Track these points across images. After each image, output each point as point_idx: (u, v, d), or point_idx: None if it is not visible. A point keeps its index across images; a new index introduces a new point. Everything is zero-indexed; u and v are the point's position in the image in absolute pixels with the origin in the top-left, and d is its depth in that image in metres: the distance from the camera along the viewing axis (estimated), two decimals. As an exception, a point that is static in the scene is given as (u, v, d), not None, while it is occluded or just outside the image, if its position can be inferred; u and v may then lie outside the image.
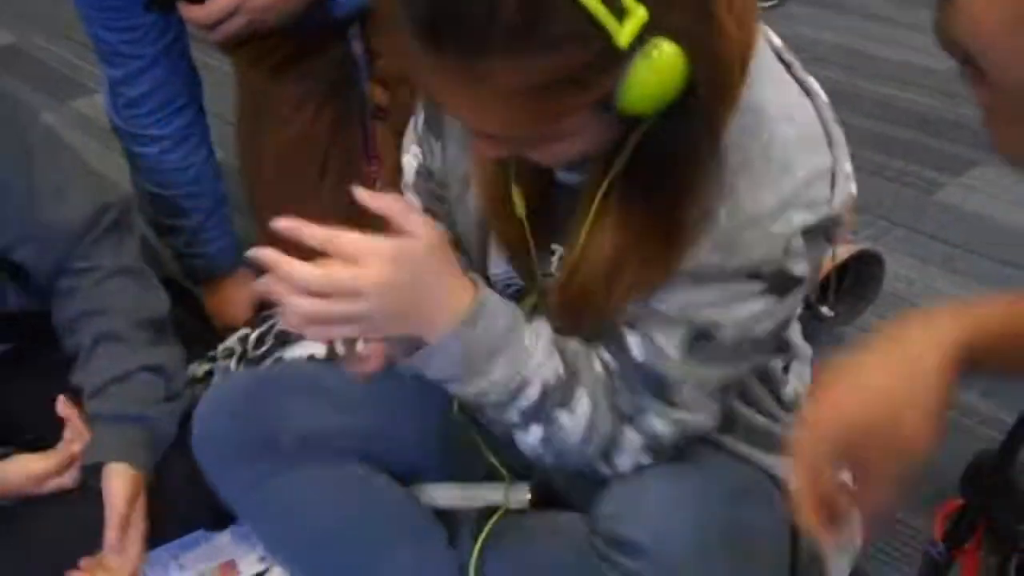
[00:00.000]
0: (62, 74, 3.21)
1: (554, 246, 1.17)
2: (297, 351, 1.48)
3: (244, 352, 1.62)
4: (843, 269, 1.86)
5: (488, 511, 1.36)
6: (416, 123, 1.28)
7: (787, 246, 0.99)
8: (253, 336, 1.67)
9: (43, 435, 1.47)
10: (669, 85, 0.90)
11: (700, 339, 1.05)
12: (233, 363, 1.65)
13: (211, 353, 1.77)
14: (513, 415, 1.08)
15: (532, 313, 1.15)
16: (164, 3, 1.62)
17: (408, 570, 1.35)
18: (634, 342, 1.07)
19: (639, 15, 0.86)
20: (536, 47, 0.85)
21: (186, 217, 1.94)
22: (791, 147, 0.98)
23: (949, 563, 1.06)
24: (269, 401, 1.37)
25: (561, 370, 1.08)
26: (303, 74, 1.92)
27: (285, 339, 1.53)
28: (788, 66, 1.06)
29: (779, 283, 1.01)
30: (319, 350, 1.45)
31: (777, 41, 1.08)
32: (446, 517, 1.42)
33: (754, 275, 1.01)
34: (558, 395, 1.07)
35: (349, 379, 1.33)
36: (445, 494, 1.43)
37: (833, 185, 1.01)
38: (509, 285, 1.21)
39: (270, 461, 1.36)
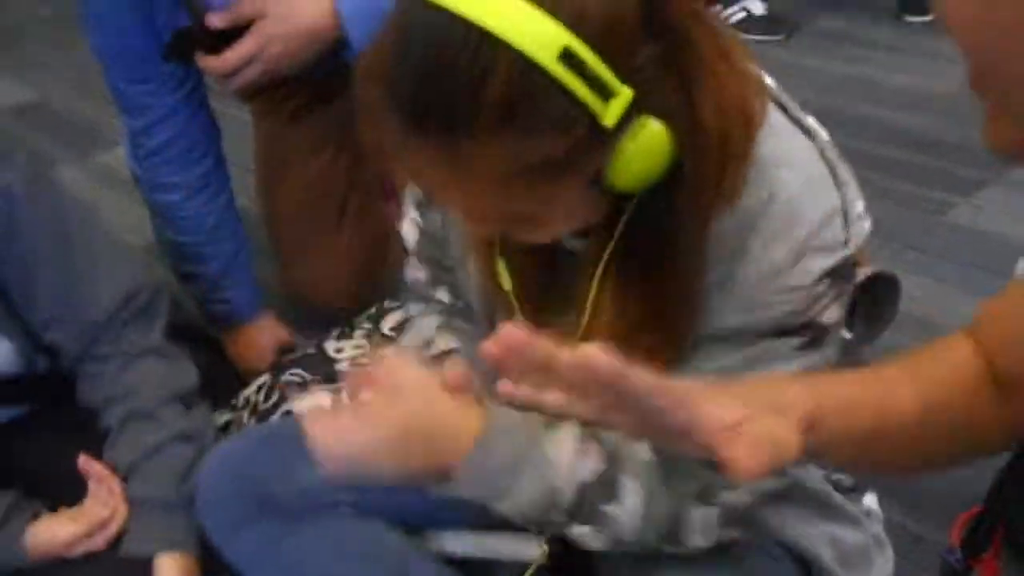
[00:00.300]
0: (84, 128, 3.26)
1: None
2: (305, 403, 1.48)
3: (256, 403, 1.64)
4: (859, 292, 1.87)
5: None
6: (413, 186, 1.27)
7: (811, 295, 0.97)
8: (257, 389, 1.68)
9: (63, 493, 1.46)
10: (656, 162, 0.89)
11: None
12: (246, 416, 1.67)
13: (233, 402, 1.79)
14: (557, 518, 1.04)
15: None
16: (182, 54, 1.64)
17: None
18: None
19: (624, 95, 0.86)
20: (521, 130, 0.84)
21: (207, 264, 1.96)
22: (796, 194, 0.96)
23: (967, 571, 1.07)
24: (267, 460, 1.35)
25: (599, 466, 1.03)
26: (319, 119, 1.95)
27: (290, 390, 1.53)
28: (784, 109, 1.04)
29: (813, 334, 0.99)
30: (325, 402, 1.45)
31: (770, 82, 1.06)
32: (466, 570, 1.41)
33: (785, 332, 0.99)
34: (599, 492, 1.03)
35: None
36: (455, 543, 1.42)
37: (847, 224, 0.98)
38: None
39: (272, 521, 1.34)
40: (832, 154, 1.01)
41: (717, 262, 0.97)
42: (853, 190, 1.01)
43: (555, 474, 1.01)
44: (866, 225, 1.00)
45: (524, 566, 1.37)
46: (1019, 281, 0.95)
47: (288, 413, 1.49)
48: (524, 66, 0.82)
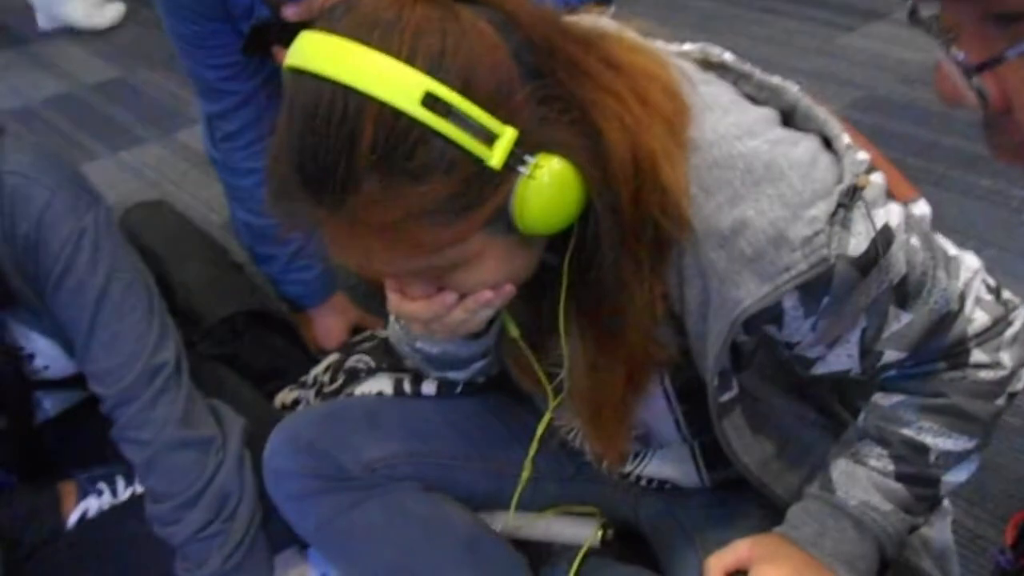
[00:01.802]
0: (166, 106, 3.31)
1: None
2: (366, 387, 1.50)
3: (321, 384, 1.66)
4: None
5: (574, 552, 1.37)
6: None
7: (822, 242, 0.94)
8: (325, 369, 1.71)
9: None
10: (565, 198, 0.91)
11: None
12: (311, 396, 1.70)
13: (303, 379, 1.82)
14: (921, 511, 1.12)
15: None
16: (260, 47, 1.65)
17: None
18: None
19: (508, 135, 0.86)
20: (404, 177, 0.85)
21: (281, 246, 1.99)
22: (767, 156, 0.95)
23: (1019, 571, 1.06)
24: (333, 435, 1.39)
25: (888, 467, 1.10)
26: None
27: (355, 374, 1.56)
28: (747, 76, 1.05)
29: (859, 266, 0.97)
30: (387, 387, 1.47)
31: (727, 56, 1.06)
32: (526, 550, 1.43)
33: (819, 283, 0.96)
34: (914, 473, 1.10)
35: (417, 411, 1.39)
36: (514, 522, 1.44)
37: (838, 159, 0.98)
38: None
39: (339, 495, 1.37)
40: (804, 104, 1.02)
41: (718, 244, 0.97)
42: (831, 125, 1.00)
43: (880, 513, 1.10)
44: (860, 155, 0.99)
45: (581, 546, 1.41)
46: None
47: (351, 396, 1.51)
48: (389, 115, 0.84)
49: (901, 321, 1.03)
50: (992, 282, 1.10)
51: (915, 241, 1.01)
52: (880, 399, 1.13)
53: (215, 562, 1.44)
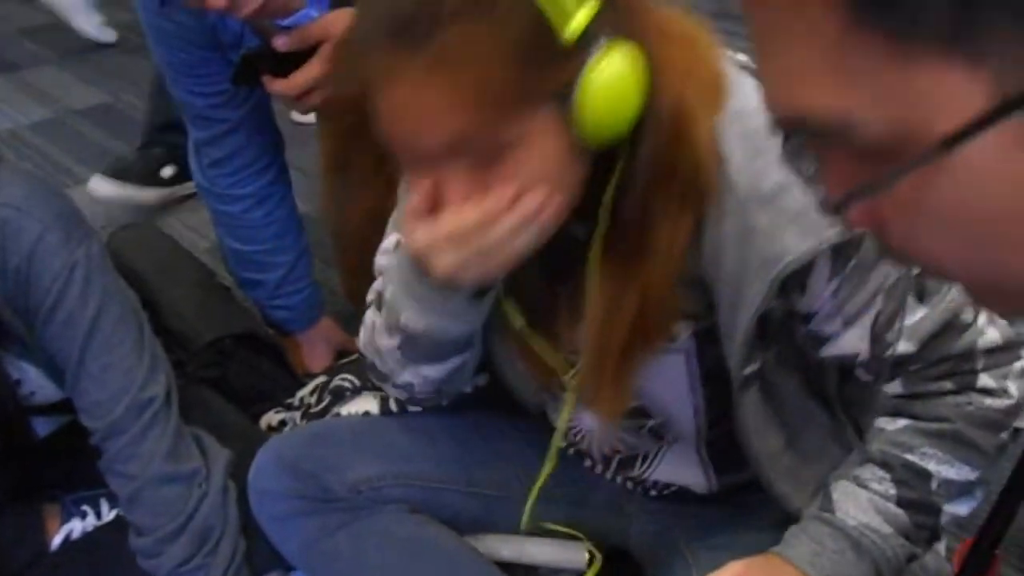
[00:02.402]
0: (153, 131, 3.29)
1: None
2: (353, 407, 1.51)
3: (308, 406, 1.67)
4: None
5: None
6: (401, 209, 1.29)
7: None
8: (312, 391, 1.71)
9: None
10: (627, 95, 0.93)
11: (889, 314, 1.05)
12: (299, 417, 1.70)
13: (289, 401, 1.82)
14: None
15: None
16: (250, 77, 1.65)
17: None
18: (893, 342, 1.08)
19: (591, 4, 0.90)
20: (487, 24, 0.89)
21: (267, 272, 1.99)
22: None
23: None
24: (319, 456, 1.39)
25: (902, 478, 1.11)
26: (380, 138, 1.98)
27: (341, 395, 1.57)
28: None
29: None
30: (373, 407, 1.48)
31: (741, 57, 1.08)
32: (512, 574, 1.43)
33: (851, 245, 0.99)
34: (915, 499, 1.11)
35: (403, 431, 1.37)
36: (500, 546, 1.45)
37: None
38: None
39: (324, 516, 1.38)
40: None
41: (759, 205, 0.98)
42: None
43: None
44: None
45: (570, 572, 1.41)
46: None
47: (337, 416, 1.52)
48: None
49: (916, 315, 1.05)
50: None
51: None
52: (885, 423, 1.14)
53: None
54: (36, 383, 1.47)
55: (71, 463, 1.62)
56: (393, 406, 1.46)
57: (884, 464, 1.12)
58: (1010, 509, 0.93)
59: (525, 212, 0.98)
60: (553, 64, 0.92)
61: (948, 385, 1.09)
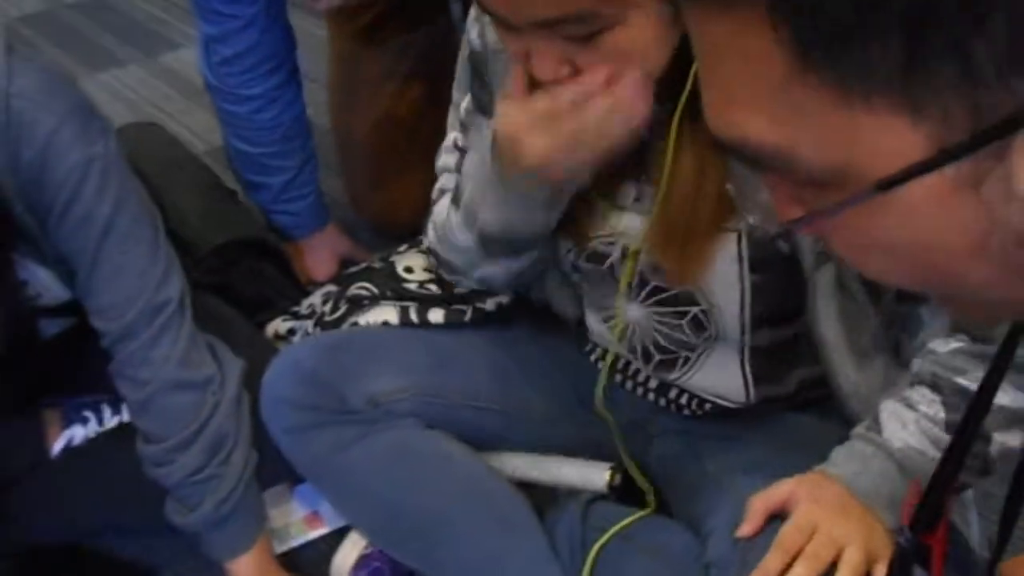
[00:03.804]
0: (149, 28, 3.24)
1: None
2: (371, 317, 1.46)
3: (321, 314, 1.63)
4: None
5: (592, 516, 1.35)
6: (459, 108, 1.27)
7: None
8: (323, 300, 1.67)
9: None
10: None
11: None
12: (310, 326, 1.66)
13: (295, 309, 1.79)
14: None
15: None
16: None
17: (497, 559, 1.34)
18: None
19: None
20: None
21: (273, 175, 1.96)
22: None
23: (919, 549, 1.03)
24: (338, 366, 1.37)
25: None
26: (392, 45, 1.93)
27: (358, 304, 1.53)
28: None
29: None
30: (392, 317, 1.44)
31: None
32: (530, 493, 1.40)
33: None
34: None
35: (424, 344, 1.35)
36: (519, 464, 1.42)
37: None
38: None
39: (340, 429, 1.35)
40: None
41: None
42: None
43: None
44: None
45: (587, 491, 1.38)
46: None
47: (355, 325, 1.48)
48: None
49: None
50: None
51: None
52: (937, 345, 1.11)
53: (207, 507, 1.40)
54: (43, 284, 1.42)
55: (73, 367, 1.58)
56: (413, 316, 1.41)
57: (934, 386, 1.08)
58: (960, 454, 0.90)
59: (619, 96, 0.97)
60: None
61: None
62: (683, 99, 1.02)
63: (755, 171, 0.54)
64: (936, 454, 1.05)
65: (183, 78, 2.87)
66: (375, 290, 1.51)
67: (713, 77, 0.51)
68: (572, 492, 1.40)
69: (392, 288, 1.50)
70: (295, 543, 1.58)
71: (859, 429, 1.12)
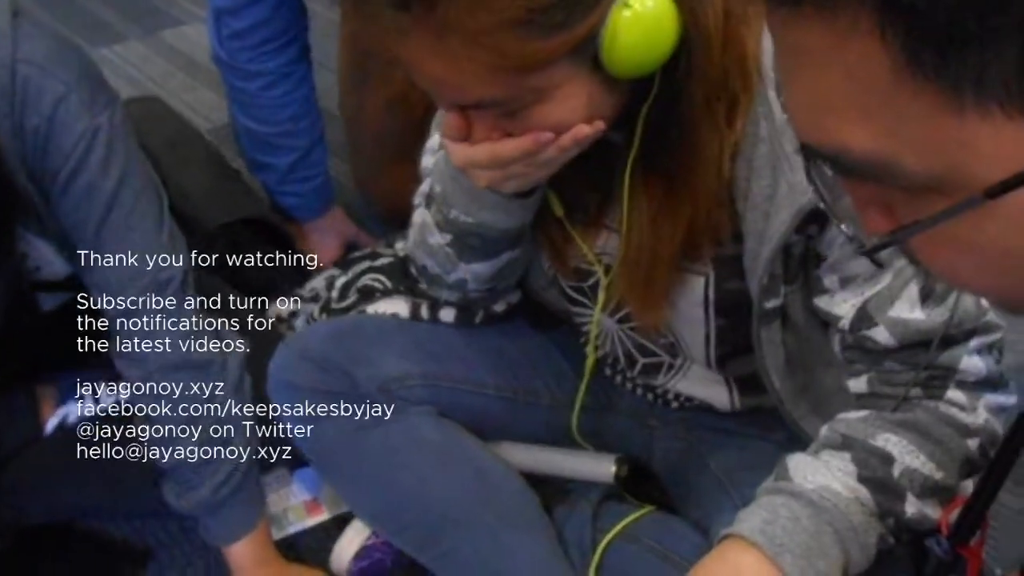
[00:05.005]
0: (151, 4, 3.19)
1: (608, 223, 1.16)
2: (380, 307, 1.44)
3: (328, 300, 1.61)
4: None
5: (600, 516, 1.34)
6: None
7: None
8: (339, 283, 1.65)
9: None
10: (657, 38, 0.89)
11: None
12: (316, 310, 1.64)
13: (297, 292, 1.77)
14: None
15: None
16: None
17: (504, 555, 1.32)
18: (878, 334, 1.02)
19: None
20: None
21: (280, 156, 1.92)
22: None
23: (956, 560, 1.00)
24: (348, 351, 1.35)
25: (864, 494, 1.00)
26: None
27: (370, 295, 1.50)
28: None
29: None
30: (403, 310, 1.42)
31: None
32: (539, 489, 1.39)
33: None
34: (878, 479, 1.00)
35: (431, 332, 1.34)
36: (526, 455, 1.41)
37: None
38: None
39: (351, 414, 1.33)
40: None
41: (785, 123, 0.96)
42: None
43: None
44: None
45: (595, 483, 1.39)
46: None
47: (362, 314, 1.46)
48: None
49: (910, 313, 1.00)
50: (999, 356, 1.06)
51: None
52: (846, 415, 1.06)
53: (204, 491, 1.37)
54: (44, 258, 1.39)
55: (71, 343, 1.54)
56: (424, 312, 1.39)
57: (843, 446, 1.02)
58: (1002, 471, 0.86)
59: (569, 143, 0.96)
60: (574, 16, 0.87)
61: (916, 391, 1.03)
62: (632, 153, 1.02)
63: (848, 180, 0.52)
64: (851, 496, 0.98)
65: (186, 55, 2.84)
66: (388, 284, 1.50)
67: (805, 85, 0.49)
68: (583, 491, 1.39)
69: (406, 284, 1.49)
70: (293, 529, 1.56)
71: (765, 484, 1.04)
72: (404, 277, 1.48)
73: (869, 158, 0.48)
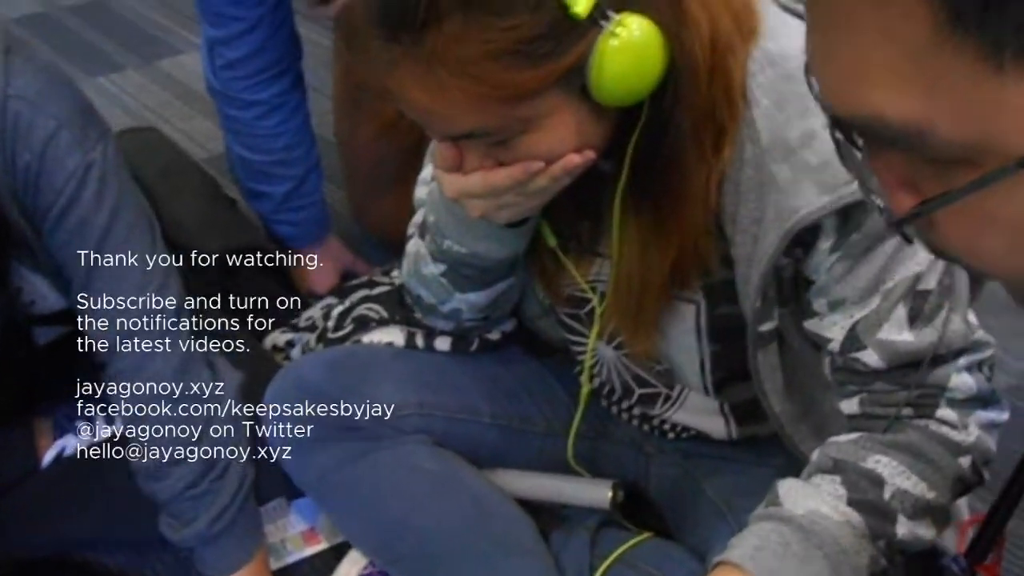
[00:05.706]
0: (149, 34, 3.20)
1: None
2: (376, 336, 1.44)
3: (324, 329, 1.61)
4: None
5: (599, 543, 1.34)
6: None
7: None
8: (335, 312, 1.65)
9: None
10: (645, 63, 0.89)
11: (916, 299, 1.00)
12: (312, 340, 1.64)
13: (294, 321, 1.77)
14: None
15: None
16: None
17: None
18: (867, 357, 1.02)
19: None
20: (486, 15, 0.86)
21: (275, 184, 1.93)
22: None
23: None
24: (343, 381, 1.35)
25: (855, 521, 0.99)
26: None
27: (365, 324, 1.51)
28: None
29: None
30: (398, 339, 1.42)
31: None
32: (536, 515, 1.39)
33: (861, 210, 0.96)
34: (868, 501, 0.99)
35: (425, 361, 1.34)
36: (522, 482, 1.41)
37: None
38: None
39: (345, 444, 1.33)
40: None
41: (783, 156, 0.96)
42: None
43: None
44: None
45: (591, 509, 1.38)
46: None
47: (357, 343, 1.46)
48: None
49: (900, 336, 1.00)
50: (990, 373, 1.06)
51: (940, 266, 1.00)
52: (837, 438, 1.06)
53: (201, 523, 1.36)
54: (38, 292, 1.39)
55: (66, 377, 1.54)
56: (419, 341, 1.39)
57: (835, 470, 1.02)
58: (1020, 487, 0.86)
59: (559, 172, 0.97)
60: (561, 47, 0.89)
61: (907, 411, 1.03)
62: (622, 182, 1.03)
63: (878, 157, 0.51)
64: (842, 519, 0.98)
65: (183, 84, 2.85)
66: (384, 314, 1.50)
67: (842, 52, 0.48)
68: (580, 517, 1.39)
69: (401, 314, 1.49)
70: (291, 559, 1.55)
71: (756, 511, 1.04)
72: (400, 306, 1.48)
73: (903, 126, 0.47)
